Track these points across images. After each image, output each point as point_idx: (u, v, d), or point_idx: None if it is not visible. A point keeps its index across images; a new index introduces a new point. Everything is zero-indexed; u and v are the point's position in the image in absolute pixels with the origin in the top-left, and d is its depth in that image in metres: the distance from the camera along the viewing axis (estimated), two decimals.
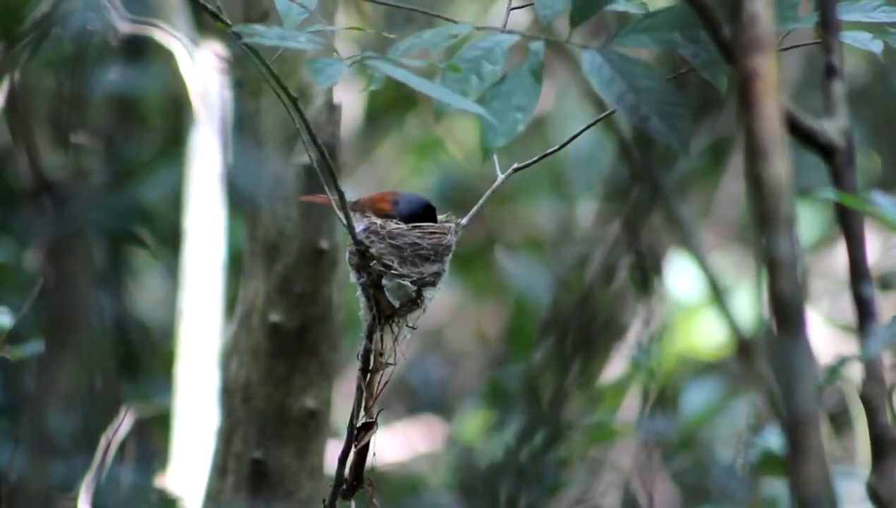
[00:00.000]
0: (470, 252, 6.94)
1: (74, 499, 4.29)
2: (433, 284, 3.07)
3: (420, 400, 7.01)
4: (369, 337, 3.07)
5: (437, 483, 6.51)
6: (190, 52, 5.16)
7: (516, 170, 3.15)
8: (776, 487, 5.08)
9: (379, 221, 3.07)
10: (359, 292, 3.08)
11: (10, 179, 4.95)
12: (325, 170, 2.96)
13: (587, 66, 2.87)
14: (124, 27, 4.70)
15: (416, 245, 3.06)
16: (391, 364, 3.07)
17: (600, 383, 5.47)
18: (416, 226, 3.08)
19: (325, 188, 2.99)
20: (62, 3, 3.18)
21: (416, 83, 2.76)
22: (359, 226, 3.06)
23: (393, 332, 3.09)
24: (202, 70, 5.17)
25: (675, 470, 5.86)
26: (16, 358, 3.87)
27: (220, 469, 3.86)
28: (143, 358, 5.57)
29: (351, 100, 6.76)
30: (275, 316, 3.84)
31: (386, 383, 3.07)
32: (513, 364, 6.49)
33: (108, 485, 4.41)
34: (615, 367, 5.56)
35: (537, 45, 2.91)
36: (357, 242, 3.04)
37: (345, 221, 3.00)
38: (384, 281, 3.04)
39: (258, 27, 2.85)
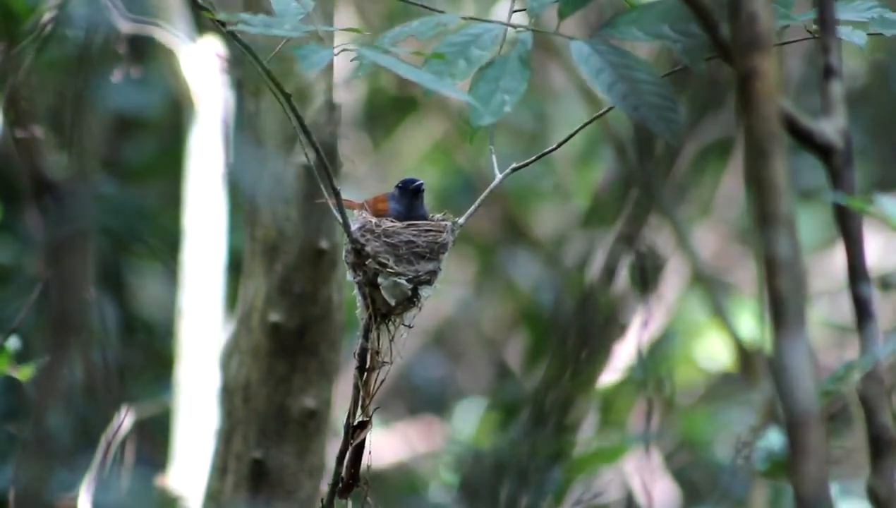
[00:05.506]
0: (472, 252, 6.94)
1: (74, 499, 4.29)
2: (429, 282, 3.07)
3: (420, 399, 7.01)
4: (366, 336, 3.07)
5: (437, 483, 6.51)
6: (190, 52, 5.16)
7: (515, 169, 3.14)
8: (776, 487, 5.08)
9: (374, 219, 3.07)
10: (356, 290, 3.08)
11: (10, 179, 4.95)
12: (321, 170, 2.96)
13: (576, 55, 2.87)
14: (125, 27, 4.71)
15: (411, 243, 3.05)
16: (388, 362, 3.07)
17: (600, 385, 5.45)
18: (411, 225, 3.07)
19: (322, 187, 2.99)
20: (66, 5, 3.18)
21: (403, 70, 2.77)
22: (355, 225, 3.07)
23: (389, 331, 3.09)
24: (202, 70, 5.17)
25: (675, 470, 5.86)
26: (24, 377, 3.88)
27: (220, 469, 3.87)
28: (143, 358, 5.57)
29: (351, 101, 6.76)
30: (275, 316, 3.84)
31: (382, 381, 3.07)
32: (520, 368, 6.50)
33: (108, 485, 4.41)
34: (615, 369, 5.55)
35: (525, 35, 2.91)
36: (353, 240, 3.04)
37: (340, 219, 3.00)
38: (380, 280, 3.04)
39: (243, 14, 2.85)
